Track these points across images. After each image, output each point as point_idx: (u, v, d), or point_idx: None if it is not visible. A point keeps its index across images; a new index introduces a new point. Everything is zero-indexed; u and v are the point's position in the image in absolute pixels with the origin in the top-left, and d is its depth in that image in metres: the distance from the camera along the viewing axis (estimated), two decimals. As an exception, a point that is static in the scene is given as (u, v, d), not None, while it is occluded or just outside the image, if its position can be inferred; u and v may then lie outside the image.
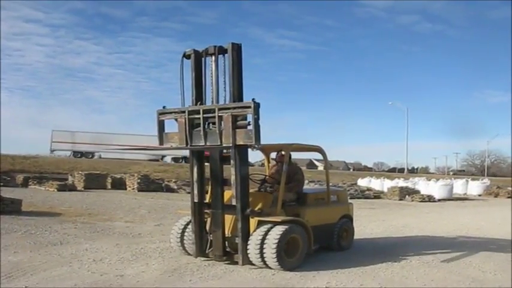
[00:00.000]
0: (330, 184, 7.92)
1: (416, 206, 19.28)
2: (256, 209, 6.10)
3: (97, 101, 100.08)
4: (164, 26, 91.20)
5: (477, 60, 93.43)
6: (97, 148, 41.60)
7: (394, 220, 12.85)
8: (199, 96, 6.12)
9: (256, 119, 5.47)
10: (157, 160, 42.09)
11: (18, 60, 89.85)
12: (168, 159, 45.43)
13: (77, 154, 42.89)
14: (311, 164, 61.43)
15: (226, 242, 6.15)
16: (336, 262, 6.50)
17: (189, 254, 6.50)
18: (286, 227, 5.94)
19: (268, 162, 8.02)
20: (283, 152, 7.06)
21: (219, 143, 5.78)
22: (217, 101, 6.00)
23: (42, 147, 50.30)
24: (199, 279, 5.42)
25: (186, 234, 6.58)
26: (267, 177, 7.17)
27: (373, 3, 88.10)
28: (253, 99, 5.49)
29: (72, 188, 18.34)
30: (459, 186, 29.38)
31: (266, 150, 7.81)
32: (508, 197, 26.57)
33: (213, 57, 6.04)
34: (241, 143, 5.68)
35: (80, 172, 21.13)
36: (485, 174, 60.66)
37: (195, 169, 6.24)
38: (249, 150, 5.97)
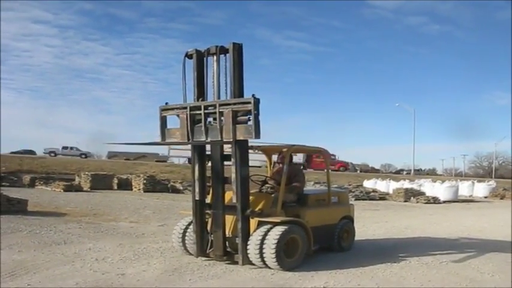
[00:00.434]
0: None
1: (421, 207, 19.23)
2: (256, 209, 6.16)
3: (104, 102, 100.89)
4: (172, 27, 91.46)
5: (485, 62, 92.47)
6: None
7: (397, 221, 12.86)
8: (201, 95, 6.20)
9: (256, 114, 5.53)
10: (165, 161, 42.15)
11: (26, 61, 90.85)
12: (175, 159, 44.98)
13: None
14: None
15: (227, 242, 6.23)
16: (335, 262, 6.55)
17: (190, 254, 6.59)
18: (285, 227, 6.00)
19: (270, 163, 8.09)
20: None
21: (219, 138, 5.85)
22: (219, 99, 6.05)
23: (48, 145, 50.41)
24: (199, 279, 5.51)
25: (187, 234, 6.67)
26: (268, 178, 7.24)
27: (380, 4, 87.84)
28: (253, 95, 5.56)
29: (79, 189, 18.53)
30: (465, 188, 29.13)
31: (267, 151, 7.89)
32: (514, 199, 26.38)
33: (215, 57, 6.11)
34: (241, 137, 5.73)
35: (87, 173, 21.34)
36: (493, 176, 60.18)
37: (197, 167, 6.32)
38: (251, 152, 6.03)
